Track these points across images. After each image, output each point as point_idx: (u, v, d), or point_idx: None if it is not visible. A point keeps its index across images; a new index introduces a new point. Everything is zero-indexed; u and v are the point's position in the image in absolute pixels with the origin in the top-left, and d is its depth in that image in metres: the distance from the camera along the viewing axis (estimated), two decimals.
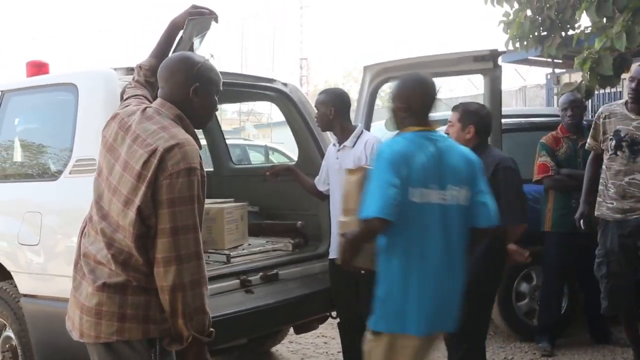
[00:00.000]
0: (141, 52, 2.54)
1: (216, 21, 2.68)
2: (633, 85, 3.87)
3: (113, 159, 2.13)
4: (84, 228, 2.23)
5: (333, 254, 3.73)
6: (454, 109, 3.55)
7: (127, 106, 2.27)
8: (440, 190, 2.53)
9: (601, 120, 4.02)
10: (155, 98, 2.40)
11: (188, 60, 2.20)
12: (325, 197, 3.88)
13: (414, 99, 2.60)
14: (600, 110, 4.15)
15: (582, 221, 4.18)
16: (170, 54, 2.67)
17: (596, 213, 4.03)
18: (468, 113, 3.45)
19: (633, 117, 3.89)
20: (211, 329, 2.07)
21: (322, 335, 5.22)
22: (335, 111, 3.68)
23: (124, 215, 2.04)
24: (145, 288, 2.04)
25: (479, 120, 3.44)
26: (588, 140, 4.17)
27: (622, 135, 3.88)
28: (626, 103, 3.96)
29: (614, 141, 3.90)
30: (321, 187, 3.89)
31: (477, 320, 3.37)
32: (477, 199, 2.65)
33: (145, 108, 2.19)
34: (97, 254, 2.09)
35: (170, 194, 2.00)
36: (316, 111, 3.82)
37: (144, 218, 2.01)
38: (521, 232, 3.38)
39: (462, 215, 2.61)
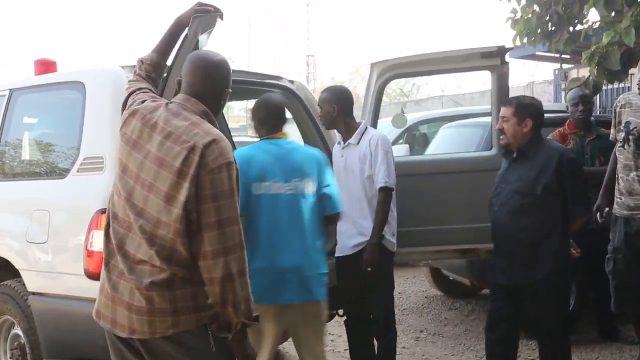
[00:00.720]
0: (141, 52, 2.54)
1: (221, 18, 2.68)
2: None
3: (140, 155, 2.14)
4: (108, 227, 2.20)
5: (339, 252, 3.73)
6: (505, 103, 3.50)
7: (143, 101, 2.26)
8: (284, 182, 3.06)
9: (618, 108, 3.89)
10: (158, 93, 2.42)
11: (227, 65, 2.30)
12: None
13: (262, 115, 3.22)
14: (619, 98, 4.01)
15: (598, 214, 3.97)
16: (175, 51, 2.69)
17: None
18: (524, 106, 3.40)
19: None
20: (257, 314, 2.16)
21: (329, 333, 5.21)
22: (338, 109, 3.67)
23: (167, 212, 2.06)
24: (190, 280, 2.09)
25: (535, 112, 3.39)
26: (611, 130, 4.00)
27: (631, 128, 3.75)
28: None
29: (624, 133, 3.78)
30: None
31: (560, 310, 3.46)
32: (323, 191, 3.15)
33: (167, 104, 2.22)
34: (137, 252, 2.10)
35: (213, 189, 2.06)
36: (319, 110, 3.81)
37: (188, 213, 2.05)
38: (583, 222, 3.54)
39: (310, 202, 3.11)
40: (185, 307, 2.08)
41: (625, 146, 3.77)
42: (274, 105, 3.27)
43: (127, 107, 2.30)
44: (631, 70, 6.20)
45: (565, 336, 3.55)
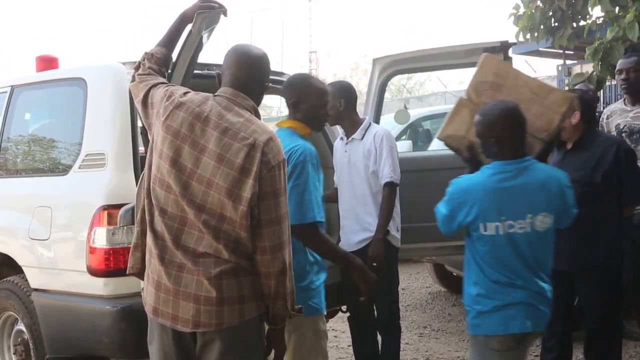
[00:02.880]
0: (141, 52, 2.50)
1: (225, 15, 2.67)
2: (622, 76, 4.03)
3: (195, 151, 2.12)
4: (152, 221, 2.17)
5: (342, 248, 3.72)
6: None
7: (185, 93, 2.21)
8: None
9: (604, 120, 4.17)
10: None
11: (268, 58, 2.32)
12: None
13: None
14: (603, 112, 4.30)
15: None
16: (179, 47, 2.67)
17: None
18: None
19: (629, 108, 4.05)
20: (300, 306, 2.26)
21: (333, 329, 5.22)
22: (345, 103, 3.66)
23: (232, 208, 2.08)
24: (249, 270, 2.14)
25: (586, 106, 3.44)
26: None
27: (622, 127, 4.01)
28: (624, 99, 4.14)
29: (616, 134, 4.01)
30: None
31: (616, 295, 3.46)
32: None
33: (214, 97, 2.21)
34: (198, 246, 2.10)
35: (273, 186, 2.11)
36: None
37: (251, 209, 2.09)
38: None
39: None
40: (249, 294, 2.13)
41: None
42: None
43: (159, 99, 2.22)
44: None
45: (618, 323, 3.57)
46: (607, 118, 4.16)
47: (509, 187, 2.53)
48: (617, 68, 4.15)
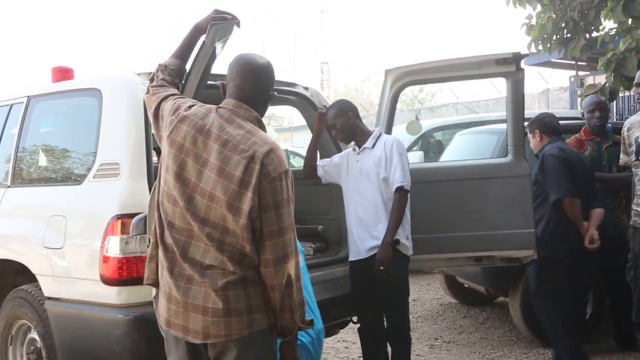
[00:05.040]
0: (144, 54, 2.53)
1: (238, 26, 2.69)
2: None
3: (198, 164, 2.13)
4: (162, 235, 2.19)
5: (353, 256, 3.72)
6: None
7: (190, 106, 2.23)
8: None
9: (625, 133, 4.11)
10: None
11: (272, 66, 2.31)
12: (313, 179, 4.00)
13: None
14: (624, 123, 4.26)
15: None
16: (193, 58, 2.70)
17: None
18: (532, 122, 4.27)
19: None
20: (311, 318, 2.25)
21: (343, 340, 5.21)
22: (352, 115, 3.72)
23: (233, 221, 2.08)
24: (257, 281, 2.14)
25: (540, 123, 4.23)
26: (621, 156, 4.21)
27: None
28: None
29: (635, 148, 3.98)
30: (319, 172, 3.94)
31: (536, 288, 4.17)
32: None
33: (217, 109, 2.21)
34: (204, 258, 2.11)
35: (274, 198, 2.09)
36: (335, 129, 3.78)
37: (252, 222, 2.08)
38: (577, 207, 4.02)
39: None
40: (258, 305, 2.13)
41: None
42: None
43: (168, 112, 2.25)
44: None
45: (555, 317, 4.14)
46: (628, 130, 4.10)
47: None
48: (636, 80, 4.09)
